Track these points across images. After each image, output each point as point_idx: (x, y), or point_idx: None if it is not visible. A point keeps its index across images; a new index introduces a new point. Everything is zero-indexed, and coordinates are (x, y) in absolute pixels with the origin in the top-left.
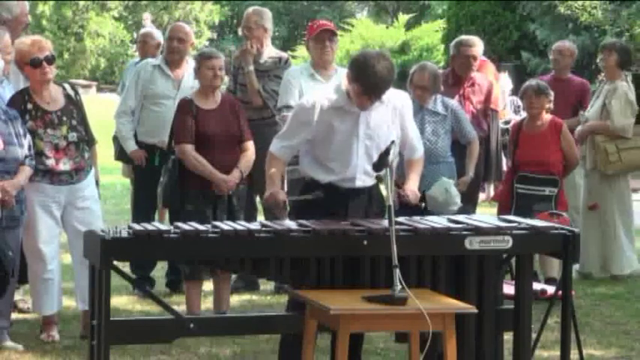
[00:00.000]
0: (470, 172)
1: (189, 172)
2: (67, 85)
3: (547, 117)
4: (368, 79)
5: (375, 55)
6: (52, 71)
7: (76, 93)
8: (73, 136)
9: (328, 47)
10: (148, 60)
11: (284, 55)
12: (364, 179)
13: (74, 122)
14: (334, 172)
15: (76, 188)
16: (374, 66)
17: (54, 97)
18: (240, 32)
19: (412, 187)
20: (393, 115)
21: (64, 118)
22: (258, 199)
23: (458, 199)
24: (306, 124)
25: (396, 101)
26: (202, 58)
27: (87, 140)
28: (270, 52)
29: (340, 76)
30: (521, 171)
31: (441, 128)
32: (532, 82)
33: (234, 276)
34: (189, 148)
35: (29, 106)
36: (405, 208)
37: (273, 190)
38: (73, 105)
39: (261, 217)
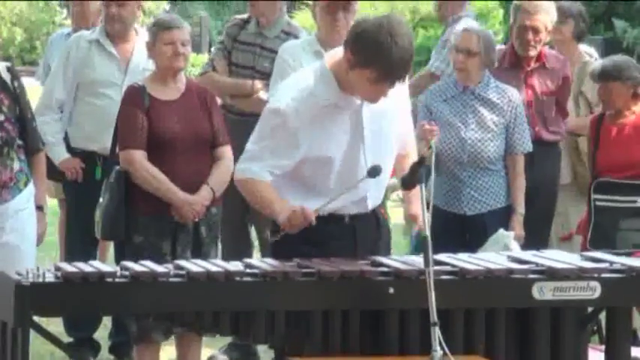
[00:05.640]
0: (519, 207)
1: (139, 190)
2: (1, 65)
3: (636, 104)
4: (389, 59)
5: (388, 23)
6: None
7: (15, 77)
8: None
9: (342, 20)
10: (82, 33)
11: (299, 32)
12: (375, 197)
13: (0, 117)
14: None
15: None
16: (393, 38)
17: None
18: None
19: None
20: (394, 96)
21: None
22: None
23: None
24: (292, 137)
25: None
26: (158, 29)
27: (23, 146)
28: (283, 23)
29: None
30: (602, 176)
31: (492, 122)
32: (607, 62)
33: (223, 341)
34: (139, 156)
35: None
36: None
37: (293, 208)
38: (5, 93)
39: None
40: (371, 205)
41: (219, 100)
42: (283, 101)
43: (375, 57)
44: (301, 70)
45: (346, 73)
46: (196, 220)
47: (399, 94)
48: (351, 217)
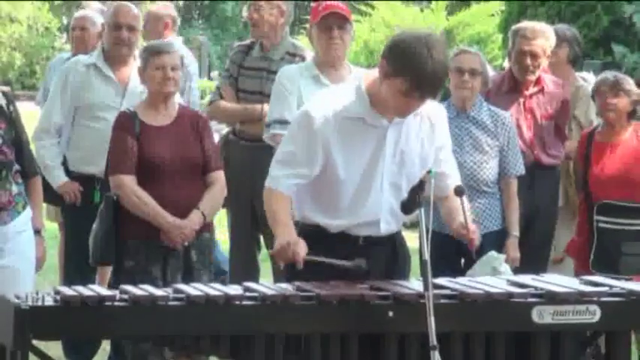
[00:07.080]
0: (513, 230)
1: (129, 215)
2: None
3: (629, 124)
4: (422, 69)
5: (427, 37)
6: None
7: (10, 102)
8: None
9: (337, 38)
10: (79, 57)
11: (305, 51)
12: (390, 222)
13: None
14: (348, 213)
15: None
16: (429, 49)
17: None
18: (244, 14)
19: (470, 224)
20: (429, 132)
21: None
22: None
23: None
24: (317, 143)
25: (431, 113)
26: (149, 54)
27: (20, 170)
28: (287, 45)
29: (357, 78)
30: (597, 195)
31: (487, 145)
32: (608, 74)
33: None
34: (128, 181)
35: None
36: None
37: (289, 239)
38: (2, 117)
39: (265, 280)
40: (384, 229)
41: (228, 127)
42: (314, 106)
43: (409, 66)
44: (338, 86)
45: (379, 87)
46: (186, 244)
47: (436, 137)
48: (365, 239)
